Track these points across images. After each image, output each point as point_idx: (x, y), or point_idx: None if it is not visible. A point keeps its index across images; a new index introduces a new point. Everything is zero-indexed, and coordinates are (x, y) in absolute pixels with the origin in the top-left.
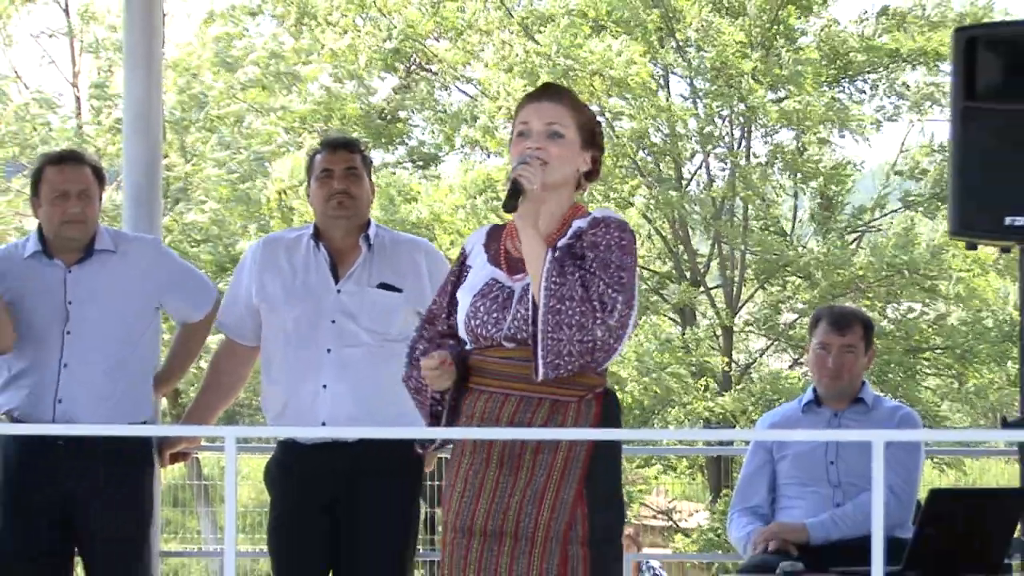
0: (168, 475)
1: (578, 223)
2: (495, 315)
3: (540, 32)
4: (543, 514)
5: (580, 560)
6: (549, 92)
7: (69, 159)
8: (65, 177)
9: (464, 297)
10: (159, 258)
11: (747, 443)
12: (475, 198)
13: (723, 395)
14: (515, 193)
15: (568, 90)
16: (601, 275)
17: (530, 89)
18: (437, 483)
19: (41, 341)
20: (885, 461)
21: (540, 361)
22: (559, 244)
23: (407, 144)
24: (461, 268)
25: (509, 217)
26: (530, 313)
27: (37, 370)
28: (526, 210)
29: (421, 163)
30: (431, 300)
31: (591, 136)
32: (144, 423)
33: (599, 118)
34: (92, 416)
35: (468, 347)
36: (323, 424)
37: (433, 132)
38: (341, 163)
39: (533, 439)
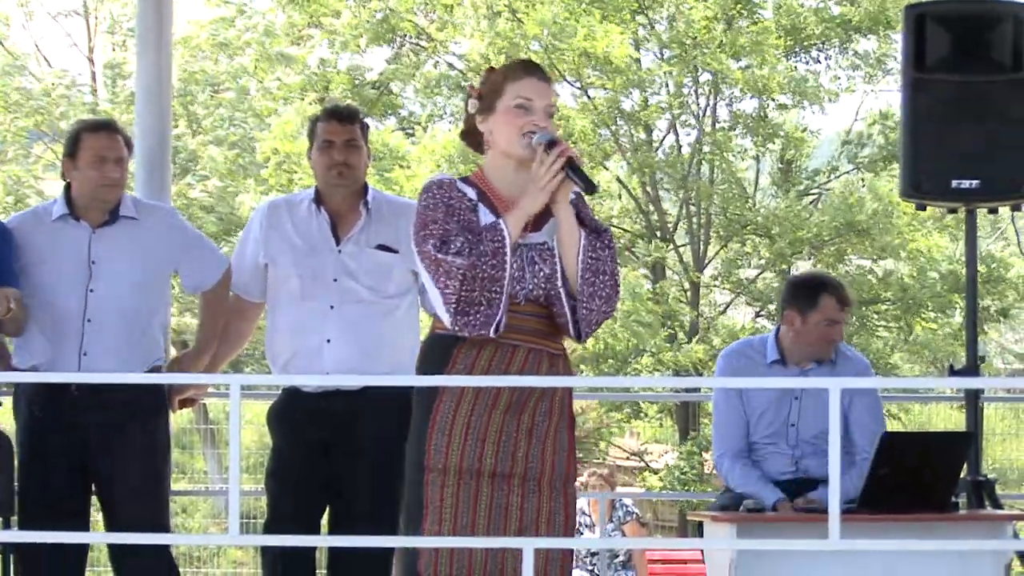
0: (177, 419)
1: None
2: (519, 273)
3: (526, 13)
4: (547, 458)
5: (573, 499)
6: (540, 70)
7: (106, 127)
8: (104, 144)
9: None
10: (175, 227)
11: (712, 390)
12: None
13: (691, 344)
14: (583, 176)
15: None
16: (615, 251)
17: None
18: None
19: (65, 298)
20: (866, 411)
21: (581, 328)
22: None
23: (398, 114)
24: (472, 206)
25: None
26: (559, 277)
27: (62, 325)
28: (564, 190)
29: (409, 131)
30: (436, 224)
31: None
32: (158, 366)
33: (578, 90)
34: (112, 366)
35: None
36: (327, 375)
37: (422, 104)
38: (342, 135)
39: (537, 387)
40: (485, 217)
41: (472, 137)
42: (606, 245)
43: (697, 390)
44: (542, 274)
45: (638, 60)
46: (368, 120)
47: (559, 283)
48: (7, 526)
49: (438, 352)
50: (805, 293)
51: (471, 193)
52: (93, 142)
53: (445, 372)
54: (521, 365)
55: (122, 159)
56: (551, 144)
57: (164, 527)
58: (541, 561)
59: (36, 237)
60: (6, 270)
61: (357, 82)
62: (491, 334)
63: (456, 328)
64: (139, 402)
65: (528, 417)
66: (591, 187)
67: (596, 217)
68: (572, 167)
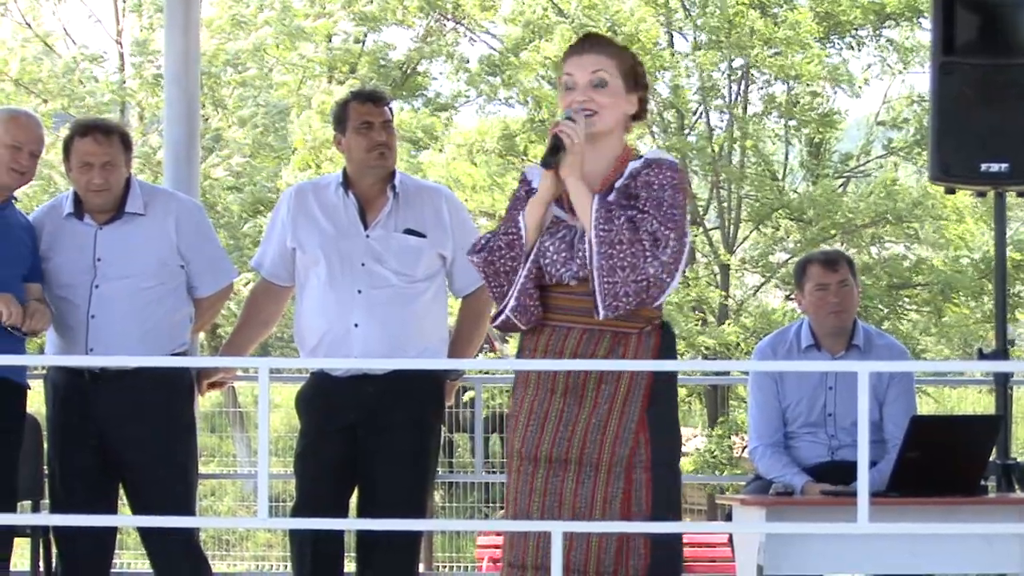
0: (206, 403)
1: (633, 164)
2: (564, 255)
3: None
4: (607, 441)
5: (643, 484)
6: (591, 42)
7: (95, 130)
8: (89, 149)
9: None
10: (186, 222)
11: (743, 373)
12: (490, 148)
13: (722, 326)
14: (554, 150)
15: (608, 38)
16: (654, 213)
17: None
18: (458, 410)
19: (72, 295)
20: (900, 401)
21: (600, 303)
22: (616, 185)
23: (425, 95)
24: (528, 198)
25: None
26: (592, 254)
27: (68, 322)
28: (570, 163)
29: (438, 113)
30: (508, 224)
31: (635, 79)
32: (181, 351)
33: None
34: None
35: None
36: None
37: (456, 79)
38: (379, 116)
39: (594, 370)
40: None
41: None
42: (637, 210)
43: (727, 373)
44: (582, 254)
45: (671, 44)
46: (394, 102)
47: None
48: (36, 509)
49: (520, 339)
50: (798, 273)
51: (536, 179)
52: (79, 146)
53: (519, 358)
54: (575, 347)
55: (111, 163)
56: (568, 118)
57: (188, 511)
58: (595, 545)
59: (51, 232)
60: (33, 266)
61: (383, 63)
62: (523, 325)
63: (500, 319)
64: (156, 389)
65: (589, 402)
66: (545, 160)
67: (663, 184)
68: (555, 139)
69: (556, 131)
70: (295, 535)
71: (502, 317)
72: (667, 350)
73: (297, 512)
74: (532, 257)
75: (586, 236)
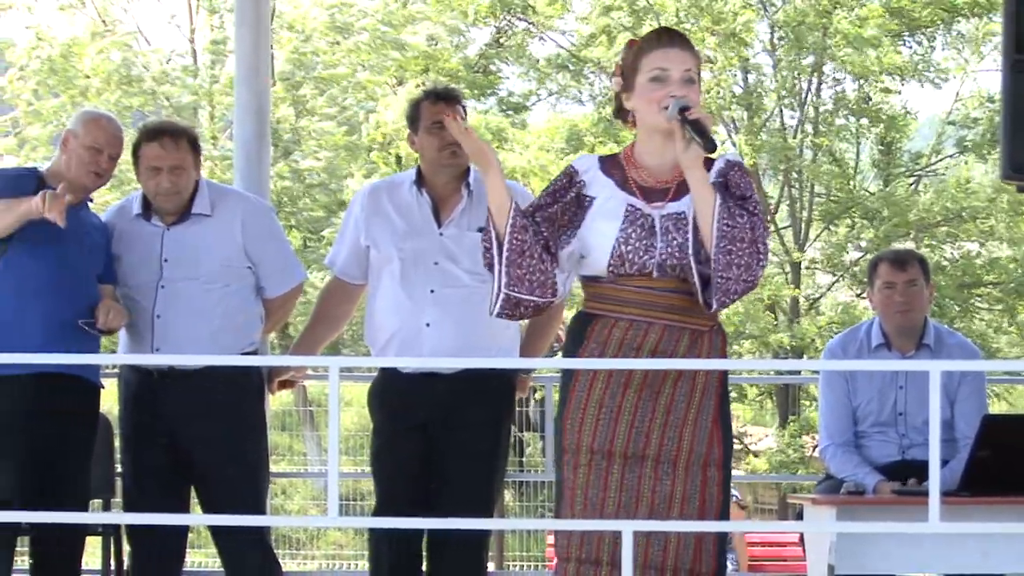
0: (277, 402)
1: (719, 164)
2: (644, 242)
3: None
4: (685, 439)
5: (716, 482)
6: (676, 38)
7: (162, 134)
8: (156, 153)
9: (607, 224)
10: (252, 224)
11: (814, 372)
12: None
13: (794, 325)
14: (704, 133)
15: (684, 33)
16: (761, 219)
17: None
18: (526, 409)
19: (139, 294)
20: (972, 400)
21: (712, 297)
22: (711, 182)
23: (497, 94)
24: (578, 191)
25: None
26: (690, 245)
27: (136, 322)
28: (694, 154)
29: (511, 112)
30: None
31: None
32: (251, 351)
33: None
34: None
35: (600, 276)
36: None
37: (526, 77)
38: (452, 115)
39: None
40: (601, 195)
41: (623, 115)
42: (748, 212)
43: (798, 372)
44: (675, 243)
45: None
46: (467, 101)
47: (690, 251)
48: (107, 508)
49: (576, 330)
50: (869, 271)
51: (592, 174)
52: (147, 151)
53: (579, 350)
54: (655, 343)
55: (179, 167)
56: (684, 109)
57: (258, 510)
58: (673, 542)
59: (120, 232)
60: (107, 266)
61: (460, 62)
62: (551, 297)
63: (498, 305)
64: (226, 389)
65: (666, 398)
66: (710, 144)
67: (752, 188)
68: (694, 125)
69: (700, 116)
70: (371, 534)
71: (500, 301)
72: (726, 349)
73: (378, 512)
74: (533, 235)
75: (691, 230)
